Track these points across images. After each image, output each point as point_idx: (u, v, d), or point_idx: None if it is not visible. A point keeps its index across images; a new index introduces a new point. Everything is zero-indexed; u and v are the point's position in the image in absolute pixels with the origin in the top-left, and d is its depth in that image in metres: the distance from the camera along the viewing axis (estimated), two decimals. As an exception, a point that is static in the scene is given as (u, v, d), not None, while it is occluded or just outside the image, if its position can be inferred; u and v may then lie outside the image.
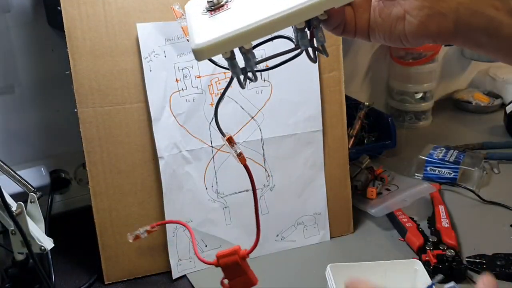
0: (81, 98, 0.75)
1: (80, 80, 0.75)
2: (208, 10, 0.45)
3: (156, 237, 0.82)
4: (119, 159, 0.78)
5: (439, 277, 0.67)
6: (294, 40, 0.48)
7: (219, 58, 0.79)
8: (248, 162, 0.83)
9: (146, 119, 0.78)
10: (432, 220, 0.92)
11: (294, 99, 0.84)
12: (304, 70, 0.84)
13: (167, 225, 0.80)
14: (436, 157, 1.09)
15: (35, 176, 0.89)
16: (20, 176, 0.74)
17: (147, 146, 0.79)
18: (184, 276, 0.83)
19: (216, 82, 0.81)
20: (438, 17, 0.45)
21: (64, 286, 0.82)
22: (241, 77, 0.45)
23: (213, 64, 0.79)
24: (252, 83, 0.82)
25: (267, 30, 0.42)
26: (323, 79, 0.86)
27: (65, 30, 0.74)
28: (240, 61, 0.50)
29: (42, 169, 0.91)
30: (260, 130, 0.83)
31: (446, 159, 1.08)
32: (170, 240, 0.81)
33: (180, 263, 0.82)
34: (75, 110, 0.76)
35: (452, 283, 0.69)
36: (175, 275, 0.82)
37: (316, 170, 0.87)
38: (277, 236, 0.87)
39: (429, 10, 0.45)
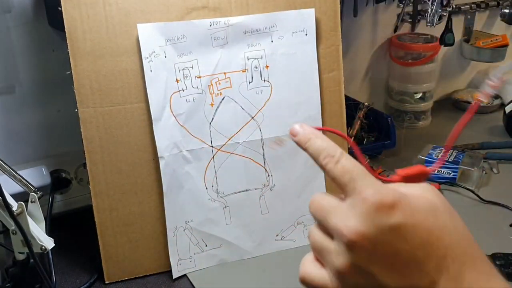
0: (81, 98, 0.76)
1: (81, 80, 0.75)
2: None
3: (157, 237, 0.82)
4: (120, 159, 0.78)
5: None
6: None
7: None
8: (248, 162, 0.84)
9: (147, 119, 0.79)
10: (431, 220, 0.92)
11: (294, 99, 0.84)
12: (304, 70, 0.84)
13: (167, 224, 0.80)
14: (435, 157, 1.09)
15: (36, 176, 0.89)
16: (21, 176, 0.74)
17: (147, 146, 0.79)
18: (184, 275, 0.83)
19: (216, 82, 0.81)
20: None
21: (65, 285, 0.82)
22: None
23: (213, 64, 0.80)
24: (252, 83, 0.83)
25: None
26: (323, 80, 0.86)
27: (65, 30, 0.74)
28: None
29: (43, 169, 0.91)
30: (260, 130, 0.84)
31: (446, 159, 1.08)
32: (170, 240, 0.81)
33: (180, 262, 0.82)
34: (76, 110, 0.76)
35: None
36: (175, 274, 0.82)
37: (316, 170, 0.86)
38: (277, 235, 0.88)
39: None
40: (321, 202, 0.44)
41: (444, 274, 0.39)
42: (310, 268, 0.45)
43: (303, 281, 0.46)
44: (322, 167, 0.47)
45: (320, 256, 0.44)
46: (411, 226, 0.39)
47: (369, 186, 0.41)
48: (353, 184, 0.42)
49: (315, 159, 0.48)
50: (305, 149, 0.49)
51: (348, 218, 0.40)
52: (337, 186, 0.44)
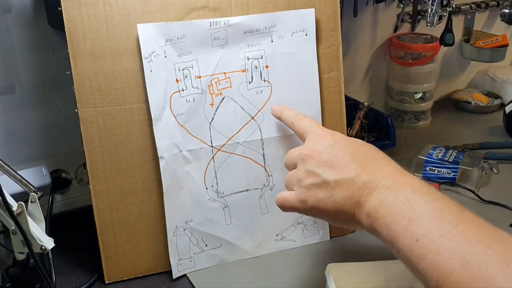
0: (81, 98, 0.76)
1: (81, 80, 0.75)
2: None
3: (157, 237, 0.82)
4: (120, 159, 0.78)
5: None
6: None
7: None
8: (248, 162, 0.84)
9: (147, 119, 0.79)
10: (431, 220, 0.92)
11: (294, 99, 0.84)
12: (304, 70, 0.84)
13: (167, 224, 0.80)
14: (435, 157, 1.09)
15: (36, 176, 0.89)
16: (21, 176, 0.74)
17: (147, 146, 0.79)
18: (185, 275, 0.83)
19: (216, 82, 0.81)
20: None
21: (65, 285, 0.82)
22: None
23: (213, 64, 0.80)
24: (252, 83, 0.83)
25: None
26: (323, 79, 0.86)
27: (65, 30, 0.74)
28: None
29: (43, 169, 0.91)
30: (260, 130, 0.84)
31: (446, 159, 1.08)
32: (170, 240, 0.81)
33: (180, 262, 0.82)
34: (76, 110, 0.76)
35: None
36: (175, 274, 0.82)
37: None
38: (277, 235, 0.88)
39: None
40: (289, 152, 0.69)
41: (365, 170, 0.59)
42: (283, 193, 0.68)
43: (278, 202, 0.68)
44: (291, 125, 0.74)
45: (290, 182, 0.67)
46: (345, 144, 0.64)
47: (319, 128, 0.69)
48: (310, 129, 0.69)
49: (287, 122, 0.76)
50: (279, 117, 0.79)
51: (304, 147, 0.67)
52: (300, 137, 0.71)
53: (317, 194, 0.62)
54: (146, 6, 0.77)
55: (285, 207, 0.68)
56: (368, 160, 0.60)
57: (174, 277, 0.82)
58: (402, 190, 0.55)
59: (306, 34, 0.84)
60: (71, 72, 0.75)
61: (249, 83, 0.82)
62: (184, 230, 0.82)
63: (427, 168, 1.08)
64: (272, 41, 0.82)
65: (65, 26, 0.74)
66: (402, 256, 0.53)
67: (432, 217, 0.52)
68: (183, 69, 0.79)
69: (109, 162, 0.78)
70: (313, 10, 0.83)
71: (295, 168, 0.67)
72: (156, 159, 0.79)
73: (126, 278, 0.82)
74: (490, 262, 0.45)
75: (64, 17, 0.73)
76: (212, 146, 0.82)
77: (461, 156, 1.09)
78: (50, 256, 0.79)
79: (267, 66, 0.83)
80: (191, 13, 0.79)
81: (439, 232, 0.50)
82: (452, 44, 1.28)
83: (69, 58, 0.74)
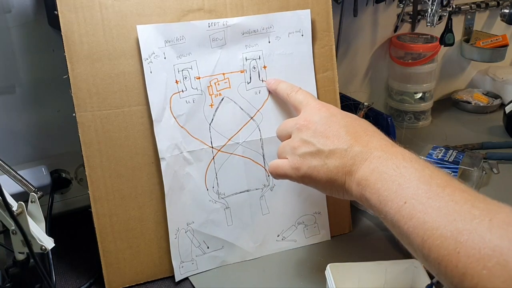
0: (79, 102, 0.75)
1: (78, 84, 0.75)
2: None
3: (158, 242, 0.81)
4: (119, 163, 0.78)
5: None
6: None
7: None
8: (248, 162, 0.84)
9: (146, 122, 0.78)
10: (431, 220, 0.92)
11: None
12: (301, 70, 0.84)
13: (169, 226, 0.80)
14: (435, 157, 1.09)
15: (36, 176, 0.89)
16: (21, 176, 0.74)
17: (147, 149, 0.79)
18: (187, 279, 0.82)
19: (215, 83, 0.81)
20: None
21: (65, 285, 0.82)
22: None
23: (212, 65, 0.81)
24: (250, 83, 0.83)
25: None
26: (318, 79, 0.86)
27: (62, 34, 0.73)
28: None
29: (43, 169, 0.91)
30: (259, 130, 0.84)
31: (446, 159, 1.08)
32: (172, 242, 0.81)
33: (183, 265, 0.82)
34: (74, 114, 0.75)
35: None
36: (177, 277, 0.81)
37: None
38: (278, 236, 0.88)
39: None
40: (283, 122, 0.72)
41: (358, 141, 0.62)
42: (276, 160, 0.71)
43: (271, 169, 0.71)
44: (287, 98, 0.76)
45: (283, 151, 0.70)
46: (340, 117, 0.66)
47: (315, 101, 0.71)
48: (306, 101, 0.72)
49: (282, 95, 0.78)
50: (275, 90, 0.80)
51: (300, 117, 0.69)
52: (296, 108, 0.74)
53: (310, 162, 0.65)
54: (143, 9, 0.77)
55: (278, 174, 0.70)
56: (362, 132, 0.64)
57: (176, 280, 0.81)
58: (393, 159, 0.58)
59: (302, 35, 0.84)
60: (68, 75, 0.74)
61: (248, 83, 0.83)
62: (185, 232, 0.82)
63: (427, 168, 1.08)
64: (269, 42, 0.83)
65: (62, 30, 0.73)
66: (389, 219, 0.55)
67: (420, 182, 0.54)
68: (182, 70, 0.79)
69: (108, 166, 0.77)
70: (308, 11, 0.83)
71: (289, 138, 0.70)
72: (156, 162, 0.79)
73: (128, 285, 0.81)
74: (474, 218, 0.48)
75: (60, 21, 0.73)
76: (212, 147, 0.82)
77: (461, 156, 1.09)
78: (50, 256, 0.79)
79: (265, 67, 0.83)
80: (187, 15, 0.79)
81: (427, 194, 0.52)
82: (452, 44, 1.28)
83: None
